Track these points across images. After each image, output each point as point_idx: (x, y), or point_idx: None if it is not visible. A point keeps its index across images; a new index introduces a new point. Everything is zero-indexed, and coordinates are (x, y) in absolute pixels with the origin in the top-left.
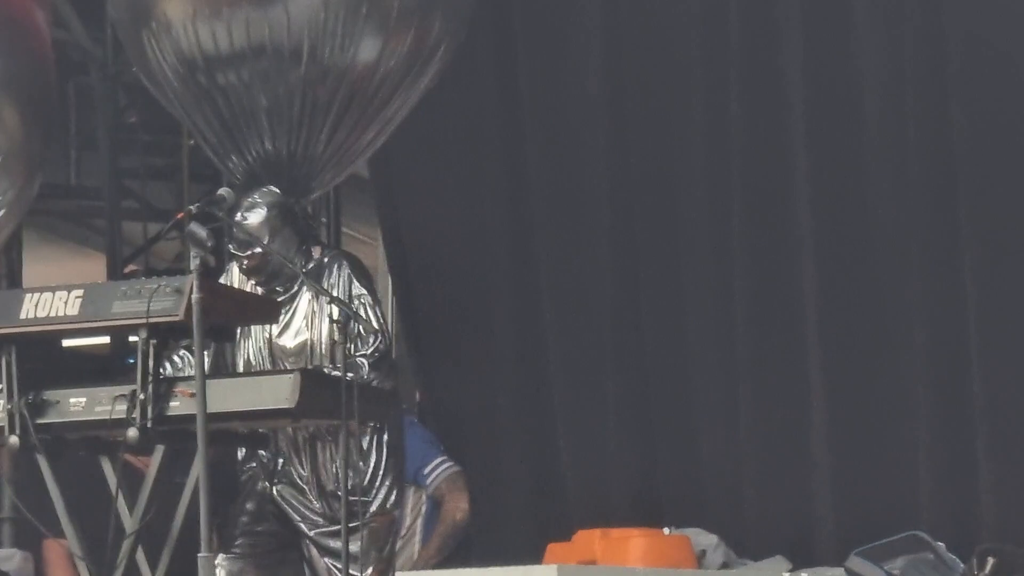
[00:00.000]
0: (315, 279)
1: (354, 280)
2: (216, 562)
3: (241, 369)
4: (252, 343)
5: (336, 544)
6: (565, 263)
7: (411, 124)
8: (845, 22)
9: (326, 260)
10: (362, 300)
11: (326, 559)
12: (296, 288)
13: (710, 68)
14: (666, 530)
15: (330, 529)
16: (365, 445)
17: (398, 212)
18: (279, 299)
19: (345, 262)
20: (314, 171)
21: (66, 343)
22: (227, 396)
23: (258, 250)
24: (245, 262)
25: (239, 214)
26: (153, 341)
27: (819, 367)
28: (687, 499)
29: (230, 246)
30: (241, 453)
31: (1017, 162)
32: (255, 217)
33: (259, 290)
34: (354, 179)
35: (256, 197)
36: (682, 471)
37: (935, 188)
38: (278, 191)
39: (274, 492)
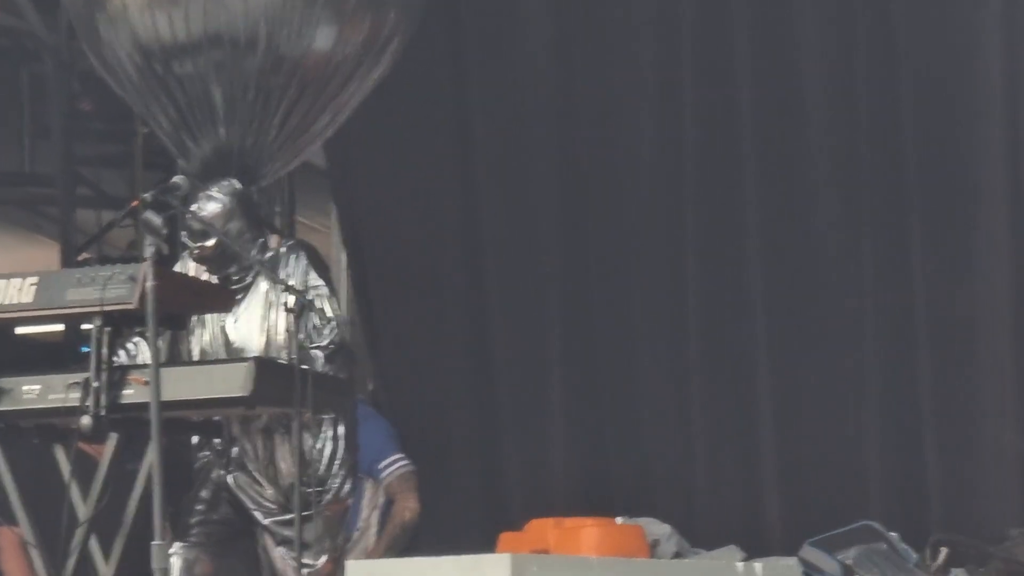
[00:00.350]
0: (272, 269)
1: (311, 270)
2: (171, 550)
3: (196, 358)
4: (207, 332)
5: (290, 532)
6: (515, 256)
7: (368, 114)
8: (793, 27)
9: (283, 250)
10: (319, 291)
11: (280, 548)
12: (251, 279)
13: (662, 66)
14: (619, 520)
15: (284, 518)
16: (321, 434)
17: (354, 202)
18: (237, 286)
19: (303, 252)
20: (264, 159)
21: (19, 331)
22: (181, 384)
23: (212, 241)
24: (197, 251)
25: (195, 204)
26: (107, 329)
27: (769, 358)
28: (640, 489)
29: (183, 235)
30: (195, 441)
31: (964, 159)
32: (212, 206)
33: (214, 279)
34: (309, 168)
35: (213, 190)
36: (635, 461)
37: (884, 184)
38: (236, 183)
39: (229, 480)
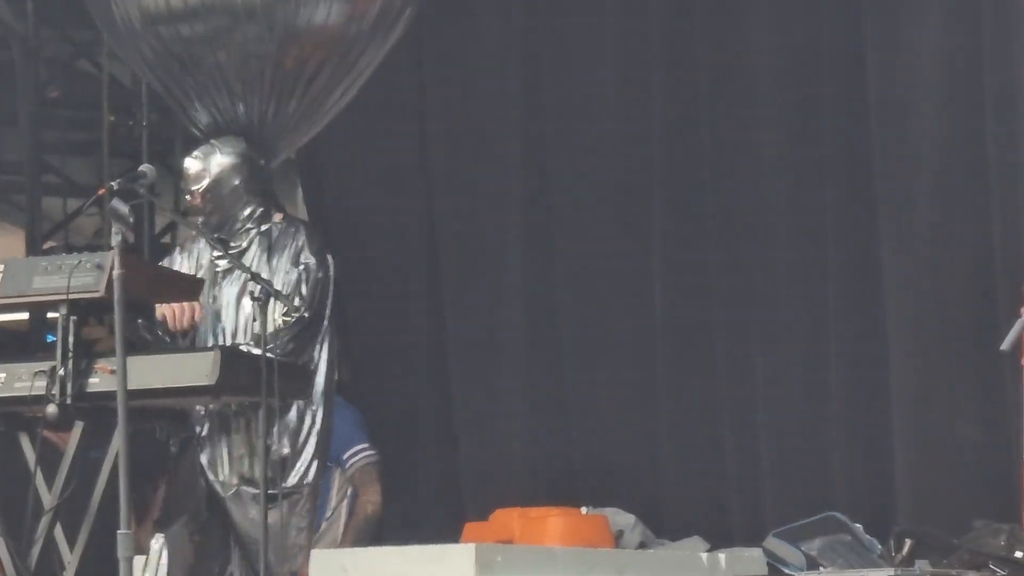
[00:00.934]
0: (269, 241)
1: (306, 248)
2: (153, 540)
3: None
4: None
5: (255, 514)
6: (476, 246)
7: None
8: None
9: (284, 225)
10: (308, 268)
11: (244, 524)
12: (246, 245)
13: (629, 50)
14: (584, 509)
15: (250, 491)
16: (294, 418)
17: (321, 192)
18: (231, 252)
19: (302, 228)
20: (282, 133)
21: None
22: (147, 373)
23: (204, 184)
24: (189, 198)
25: (198, 152)
26: (73, 317)
27: (734, 349)
28: (604, 479)
29: (182, 183)
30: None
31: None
32: (216, 158)
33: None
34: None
35: (219, 143)
36: (599, 451)
37: (852, 182)
38: (244, 143)
39: (201, 461)
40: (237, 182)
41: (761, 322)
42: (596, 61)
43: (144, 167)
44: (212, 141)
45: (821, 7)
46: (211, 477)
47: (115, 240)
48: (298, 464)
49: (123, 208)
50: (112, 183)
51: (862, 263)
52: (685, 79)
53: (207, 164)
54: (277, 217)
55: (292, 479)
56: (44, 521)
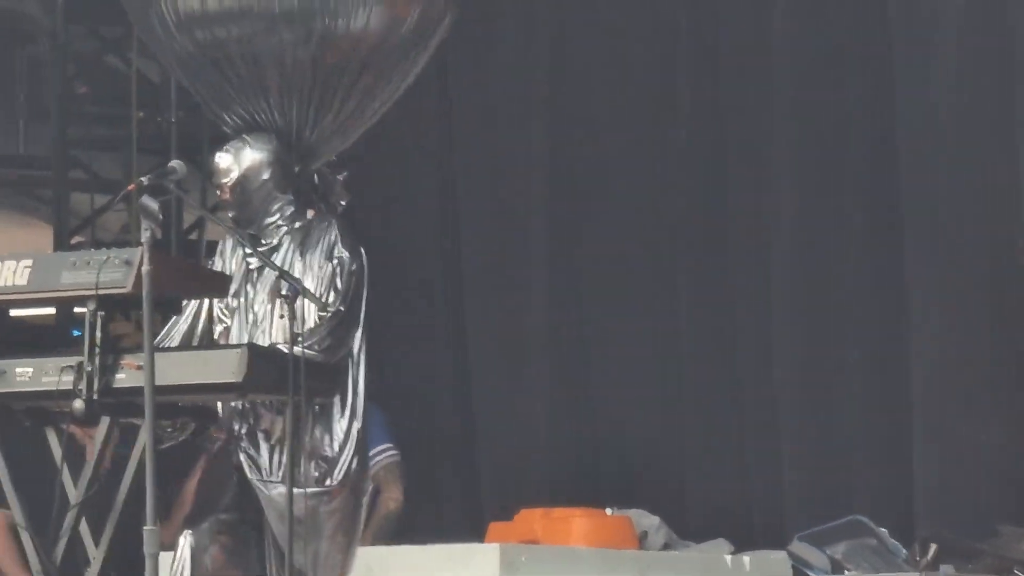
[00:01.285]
0: (304, 237)
1: (339, 242)
2: (182, 538)
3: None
4: (239, 300)
5: (297, 513)
6: (501, 244)
7: None
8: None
9: (316, 221)
10: (341, 261)
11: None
12: (276, 242)
13: (655, 54)
14: (608, 511)
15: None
16: (325, 415)
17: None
18: (261, 249)
19: (335, 222)
20: (321, 140)
21: (12, 313)
22: (174, 369)
23: (232, 178)
24: (219, 194)
25: (229, 146)
26: (101, 313)
27: (760, 350)
28: (629, 480)
29: (212, 178)
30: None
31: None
32: (246, 152)
33: (229, 245)
34: None
35: (251, 138)
36: (624, 453)
37: (876, 188)
38: (275, 139)
39: (239, 459)
40: (267, 178)
41: (783, 325)
42: (622, 63)
43: (173, 163)
44: (244, 136)
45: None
46: (252, 478)
47: (144, 236)
48: (342, 460)
49: (152, 204)
50: (141, 179)
51: (885, 268)
52: (710, 85)
53: (237, 158)
54: (310, 214)
55: (337, 476)
56: (70, 516)
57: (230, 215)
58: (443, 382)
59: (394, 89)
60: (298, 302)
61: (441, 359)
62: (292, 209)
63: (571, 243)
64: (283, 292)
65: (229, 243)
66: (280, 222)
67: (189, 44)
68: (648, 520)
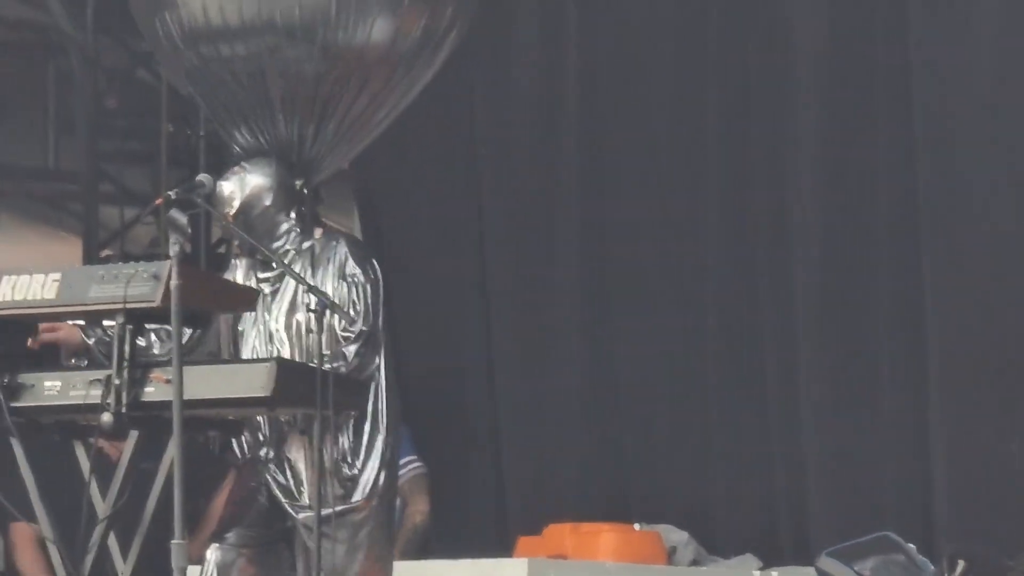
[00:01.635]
0: (312, 258)
1: (349, 258)
2: (208, 552)
3: (248, 356)
4: (258, 328)
5: (324, 529)
6: (530, 257)
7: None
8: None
9: (324, 240)
10: (355, 279)
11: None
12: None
13: (683, 73)
14: (637, 526)
15: (308, 516)
16: (354, 428)
17: (375, 203)
18: (267, 275)
19: (342, 240)
20: (324, 152)
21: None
22: (202, 383)
23: (234, 208)
24: (223, 220)
25: (230, 175)
26: (129, 326)
27: (787, 367)
28: (658, 495)
29: (216, 208)
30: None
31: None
32: (248, 179)
33: (241, 271)
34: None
35: (249, 164)
36: (652, 468)
37: (898, 203)
38: (275, 162)
39: (267, 479)
40: (268, 203)
41: (812, 345)
42: (650, 59)
43: (202, 177)
44: (243, 163)
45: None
46: (283, 499)
47: (172, 250)
48: (366, 475)
49: (181, 218)
50: (170, 193)
51: (907, 283)
52: (738, 83)
53: (239, 186)
54: (317, 233)
55: (361, 493)
56: (98, 530)
57: (235, 243)
58: (469, 394)
59: (397, 101)
60: (324, 316)
61: (467, 373)
62: (297, 231)
63: (598, 257)
64: (312, 307)
65: (240, 270)
66: (287, 246)
67: (194, 59)
68: (676, 535)
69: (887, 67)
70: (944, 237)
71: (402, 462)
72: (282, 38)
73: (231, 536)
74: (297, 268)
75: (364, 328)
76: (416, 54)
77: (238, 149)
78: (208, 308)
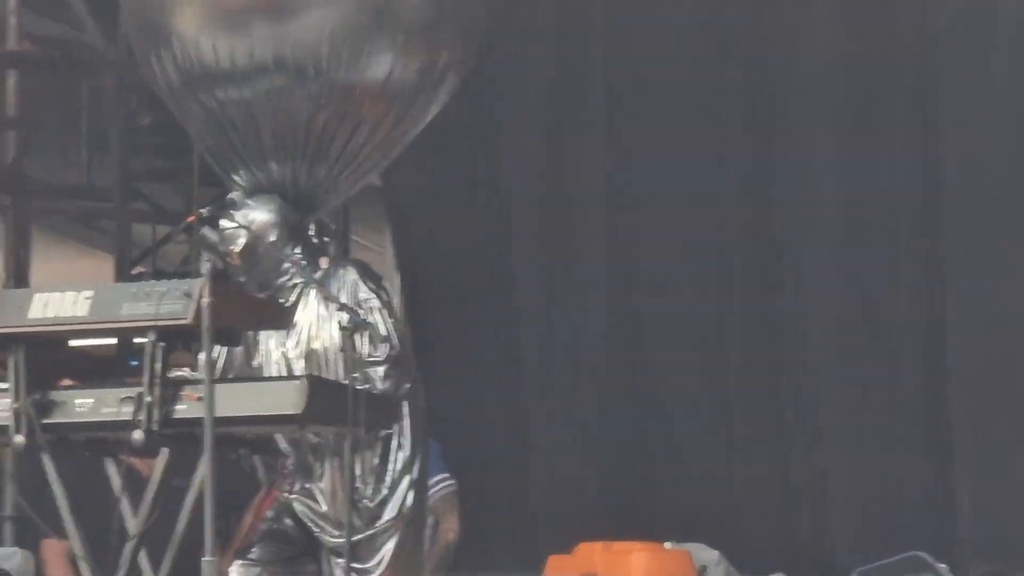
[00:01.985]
0: (322, 286)
1: (360, 284)
2: (231, 569)
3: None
4: (273, 354)
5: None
6: (559, 272)
7: (419, 133)
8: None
9: (333, 269)
10: (369, 304)
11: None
12: (295, 298)
13: (706, 58)
14: (668, 544)
15: (338, 540)
16: (382, 448)
17: (407, 222)
18: (290, 302)
19: (350, 266)
20: (319, 191)
21: (71, 343)
22: (234, 401)
23: (239, 245)
24: (227, 259)
25: (230, 212)
26: (161, 344)
27: (815, 384)
28: (689, 514)
29: (219, 246)
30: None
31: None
32: (253, 216)
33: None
34: (364, 186)
35: (252, 202)
36: (683, 486)
37: (919, 226)
38: (278, 199)
39: (292, 499)
40: (274, 239)
41: (837, 362)
42: (674, 67)
43: (234, 195)
44: (246, 200)
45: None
46: (304, 518)
47: (204, 268)
48: (396, 495)
49: (213, 236)
50: (201, 211)
51: (928, 304)
52: (764, 97)
53: (243, 223)
54: (324, 263)
55: (389, 513)
56: (129, 547)
57: (241, 280)
58: (498, 411)
59: (395, 140)
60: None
61: (496, 391)
62: (304, 264)
63: (627, 275)
64: (343, 324)
65: None
66: (294, 280)
67: (189, 98)
68: (707, 554)
69: (909, 80)
70: (968, 256)
71: (435, 480)
72: (274, 78)
73: (255, 552)
74: (307, 300)
75: (393, 350)
76: (412, 94)
77: (240, 188)
78: (240, 326)
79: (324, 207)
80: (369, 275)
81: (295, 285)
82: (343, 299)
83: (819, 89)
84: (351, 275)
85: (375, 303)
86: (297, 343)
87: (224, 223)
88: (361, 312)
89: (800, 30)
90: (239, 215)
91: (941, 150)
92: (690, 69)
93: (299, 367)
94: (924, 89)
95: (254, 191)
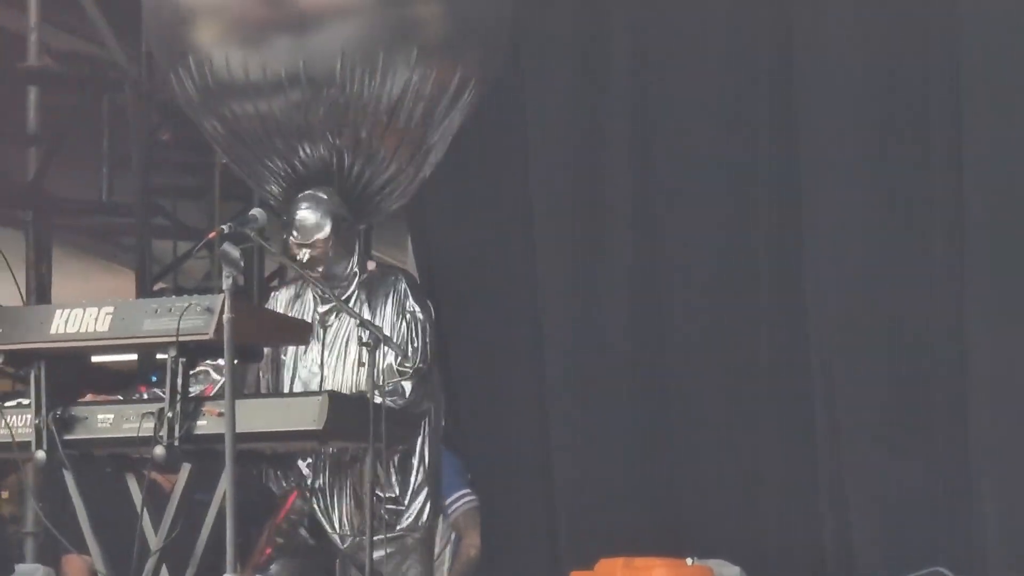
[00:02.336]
0: (370, 289)
1: (409, 295)
2: None
3: (290, 387)
4: (310, 358)
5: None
6: (584, 287)
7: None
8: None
9: (380, 274)
10: (414, 315)
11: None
12: (348, 293)
13: (732, 40)
14: (689, 561)
15: (352, 542)
16: (399, 461)
17: (428, 237)
18: (332, 304)
19: (402, 276)
20: (361, 205)
21: (93, 359)
22: (255, 416)
23: (325, 232)
24: (308, 251)
25: (302, 204)
26: (182, 360)
27: (836, 399)
28: (710, 529)
29: (293, 235)
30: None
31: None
32: (330, 207)
33: (282, 303)
34: None
35: (320, 193)
36: (705, 501)
37: (941, 244)
38: (335, 198)
39: (313, 507)
40: (343, 231)
41: (857, 378)
42: (700, 69)
43: (255, 211)
44: (315, 192)
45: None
46: (327, 529)
47: (226, 284)
48: (412, 507)
49: (234, 252)
50: (223, 226)
51: (949, 304)
52: (784, 97)
53: (324, 213)
54: (371, 266)
55: (404, 522)
56: (150, 562)
57: (319, 270)
58: (521, 425)
59: (423, 160)
60: (378, 351)
61: (518, 403)
62: (355, 260)
63: (652, 288)
64: (364, 340)
65: (282, 298)
66: (350, 274)
67: (208, 113)
68: (729, 570)
69: (936, 65)
70: (991, 256)
71: (456, 495)
72: (287, 93)
73: (274, 568)
74: (356, 299)
75: (421, 365)
76: (431, 108)
77: (272, 198)
78: (260, 342)
79: (367, 220)
80: (418, 288)
81: (348, 282)
82: (389, 306)
83: (842, 90)
84: (402, 284)
85: (420, 315)
86: (337, 345)
87: (303, 215)
88: (405, 321)
89: (823, 31)
90: (315, 206)
91: (966, 151)
92: (715, 71)
93: (335, 368)
94: (948, 90)
95: (318, 181)
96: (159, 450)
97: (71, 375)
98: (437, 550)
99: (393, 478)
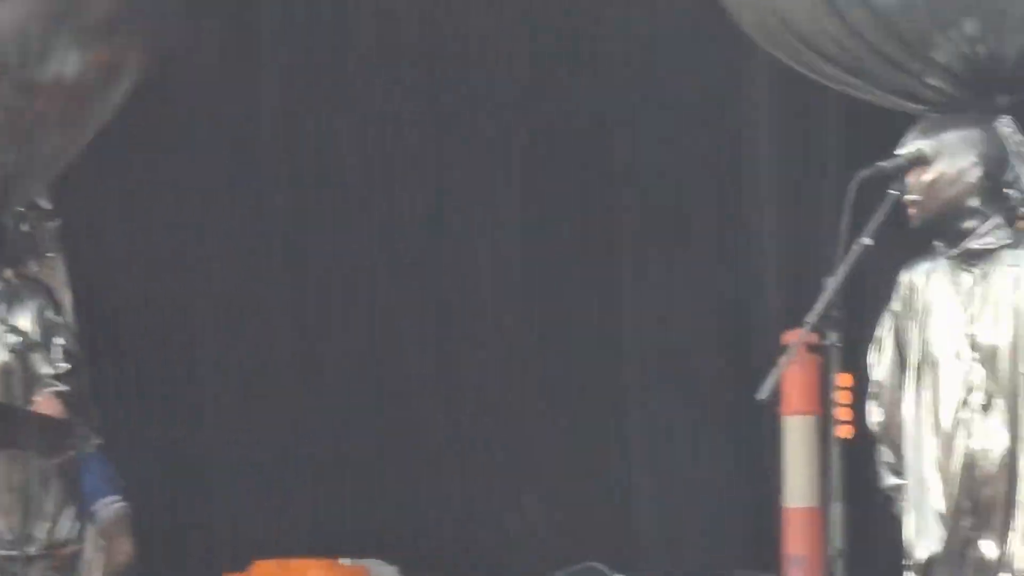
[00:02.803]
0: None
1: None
2: None
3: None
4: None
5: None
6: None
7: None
8: None
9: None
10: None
11: None
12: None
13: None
14: (344, 560)
15: (10, 553)
16: (44, 475)
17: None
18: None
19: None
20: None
21: None
22: None
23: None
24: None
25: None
26: None
27: (487, 398)
28: (366, 529)
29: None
30: None
31: None
32: None
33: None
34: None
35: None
36: (360, 501)
37: None
38: None
39: None
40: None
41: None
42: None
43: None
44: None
45: None
46: None
47: None
48: (62, 520)
49: None
50: None
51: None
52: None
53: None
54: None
55: (60, 534)
56: None
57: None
58: (174, 430)
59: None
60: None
61: (173, 409)
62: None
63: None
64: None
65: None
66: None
67: None
68: (385, 570)
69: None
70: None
71: (103, 501)
72: None
73: None
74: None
75: (69, 367)
76: (92, 87)
77: None
78: None
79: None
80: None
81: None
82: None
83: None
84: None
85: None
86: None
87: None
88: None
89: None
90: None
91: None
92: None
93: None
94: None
95: None
96: None
97: None
98: (87, 556)
99: (47, 489)
